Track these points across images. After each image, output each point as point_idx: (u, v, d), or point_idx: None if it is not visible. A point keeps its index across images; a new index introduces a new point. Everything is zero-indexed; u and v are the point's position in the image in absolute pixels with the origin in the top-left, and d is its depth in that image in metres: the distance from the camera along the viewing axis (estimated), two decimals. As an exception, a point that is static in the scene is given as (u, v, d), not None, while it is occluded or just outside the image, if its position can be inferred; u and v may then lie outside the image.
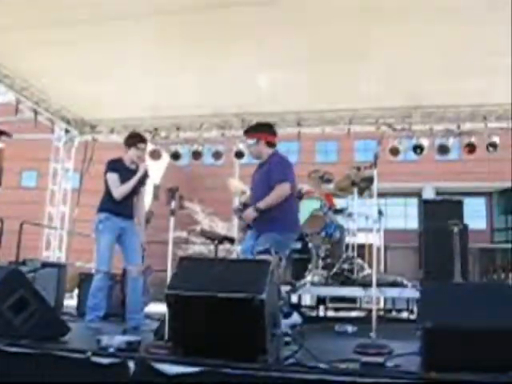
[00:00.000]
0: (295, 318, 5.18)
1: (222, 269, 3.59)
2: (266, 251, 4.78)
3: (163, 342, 3.81)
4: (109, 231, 5.55)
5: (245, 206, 5.27)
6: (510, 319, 3.16)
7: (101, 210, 5.64)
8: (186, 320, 3.52)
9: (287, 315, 4.94)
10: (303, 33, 6.37)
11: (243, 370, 3.22)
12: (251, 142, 5.29)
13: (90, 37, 6.49)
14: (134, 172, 5.74)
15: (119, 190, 5.60)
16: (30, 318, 4.07)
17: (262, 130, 5.33)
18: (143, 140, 5.91)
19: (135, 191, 5.77)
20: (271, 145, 5.27)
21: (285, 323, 4.16)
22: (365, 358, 3.36)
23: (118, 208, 5.62)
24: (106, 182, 5.71)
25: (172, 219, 4.33)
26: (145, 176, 5.81)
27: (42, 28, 6.33)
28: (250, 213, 5.01)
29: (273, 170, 5.07)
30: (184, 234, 20.12)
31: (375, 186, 4.81)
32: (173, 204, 4.40)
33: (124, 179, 5.65)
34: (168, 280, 3.87)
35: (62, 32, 6.38)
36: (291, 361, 3.42)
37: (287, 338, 3.93)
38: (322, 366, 3.25)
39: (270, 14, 5.99)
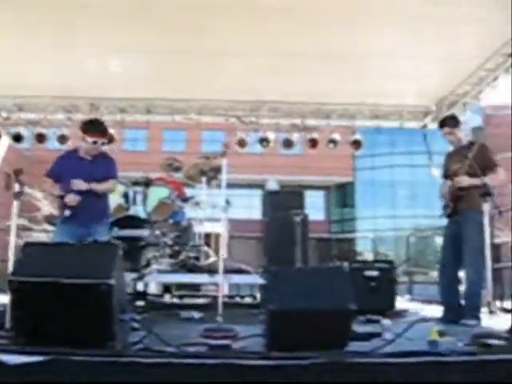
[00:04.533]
0: None
1: (69, 254, 3.50)
2: None
3: (3, 332, 3.64)
4: None
5: None
6: (344, 300, 3.44)
7: None
8: (30, 307, 3.37)
9: None
10: (158, 22, 6.32)
11: (90, 356, 3.17)
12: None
13: None
14: None
15: None
16: None
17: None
18: None
19: None
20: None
21: None
22: (212, 341, 3.45)
23: None
24: None
25: (16, 203, 4.13)
26: None
27: None
28: None
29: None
30: (23, 221, 19.01)
31: (224, 175, 4.92)
32: (17, 187, 4.20)
33: None
34: (10, 267, 3.70)
35: None
36: (139, 346, 3.44)
37: (135, 324, 3.93)
38: (170, 349, 3.30)
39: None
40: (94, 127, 5.56)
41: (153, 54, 7.10)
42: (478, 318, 5.29)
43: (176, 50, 6.96)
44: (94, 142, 5.47)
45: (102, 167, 5.65)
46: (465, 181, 5.60)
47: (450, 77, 7.96)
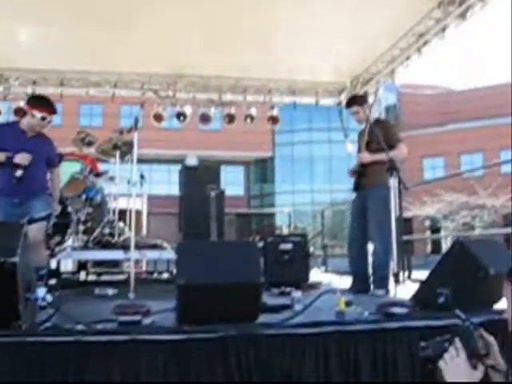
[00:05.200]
0: None
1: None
2: None
3: None
4: None
5: None
6: (253, 274, 3.50)
7: None
8: None
9: None
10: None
11: (-6, 337, 3.08)
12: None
13: None
14: None
15: None
16: None
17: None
18: None
19: None
20: None
21: None
22: (122, 318, 3.42)
23: None
24: None
25: None
26: None
27: None
28: None
29: None
30: None
31: (135, 149, 4.86)
32: None
33: None
34: None
35: None
36: (47, 325, 3.36)
37: (43, 303, 3.84)
38: (78, 327, 3.25)
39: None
40: (45, 103, 5.22)
41: (63, 24, 6.83)
42: (385, 288, 5.51)
43: (88, 20, 6.73)
44: (43, 118, 5.14)
45: (45, 148, 5.34)
46: (365, 157, 5.79)
47: (365, 55, 8.12)
